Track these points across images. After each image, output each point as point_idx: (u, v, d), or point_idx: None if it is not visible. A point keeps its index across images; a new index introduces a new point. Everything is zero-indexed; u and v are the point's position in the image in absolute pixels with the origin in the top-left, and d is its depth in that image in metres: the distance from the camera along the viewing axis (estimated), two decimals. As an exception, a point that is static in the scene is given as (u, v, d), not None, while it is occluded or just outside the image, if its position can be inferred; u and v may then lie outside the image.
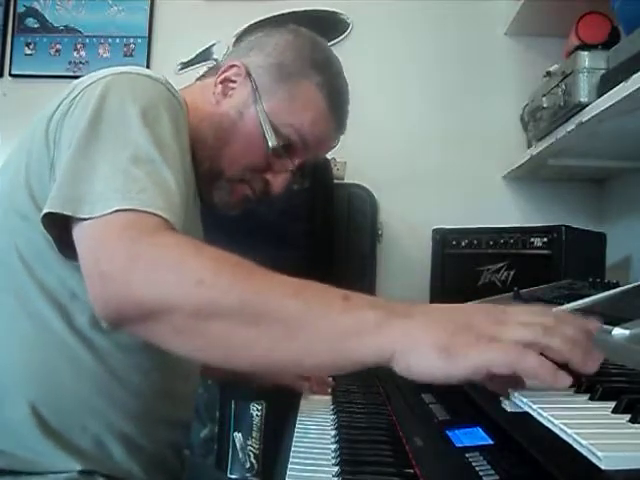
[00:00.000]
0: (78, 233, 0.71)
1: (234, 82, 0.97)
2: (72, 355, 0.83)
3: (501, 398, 0.62)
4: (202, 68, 2.13)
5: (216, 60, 1.76)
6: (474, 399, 0.79)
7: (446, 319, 0.60)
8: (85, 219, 0.70)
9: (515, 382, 0.61)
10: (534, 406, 0.56)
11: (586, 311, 0.92)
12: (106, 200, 0.70)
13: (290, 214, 1.65)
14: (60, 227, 0.73)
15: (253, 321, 0.62)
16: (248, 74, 0.96)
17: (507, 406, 0.61)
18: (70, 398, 0.83)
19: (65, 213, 0.71)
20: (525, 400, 0.58)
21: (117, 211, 0.68)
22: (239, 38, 1.04)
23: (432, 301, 1.80)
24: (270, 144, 0.94)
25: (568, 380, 0.57)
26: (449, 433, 0.77)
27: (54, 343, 0.83)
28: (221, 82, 0.97)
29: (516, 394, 0.60)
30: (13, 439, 0.80)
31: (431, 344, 0.57)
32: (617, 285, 1.12)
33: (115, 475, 0.85)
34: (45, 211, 0.72)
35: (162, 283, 0.64)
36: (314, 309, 0.62)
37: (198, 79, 1.05)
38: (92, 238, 0.70)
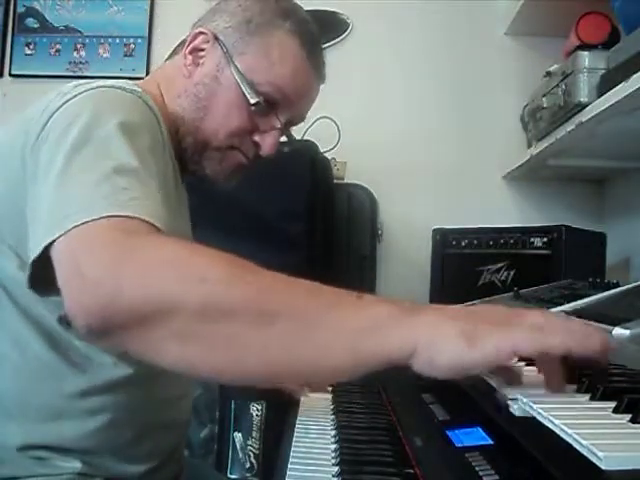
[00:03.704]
0: (59, 247, 0.63)
1: (203, 50, 0.94)
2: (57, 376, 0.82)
3: (509, 402, 0.61)
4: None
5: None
6: (474, 399, 0.79)
7: (462, 314, 0.60)
8: (68, 231, 0.62)
9: (512, 379, 0.64)
10: (535, 406, 0.56)
11: (586, 311, 0.92)
12: (92, 207, 0.63)
13: (290, 214, 1.64)
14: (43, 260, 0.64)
15: (266, 321, 0.57)
16: (216, 38, 0.93)
17: (515, 411, 0.60)
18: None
19: (55, 237, 0.63)
20: (530, 402, 0.58)
21: (107, 217, 0.62)
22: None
23: (432, 301, 1.80)
24: (251, 101, 0.90)
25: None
26: (449, 433, 0.77)
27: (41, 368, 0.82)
28: (190, 52, 0.94)
29: (525, 399, 0.60)
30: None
31: (455, 333, 0.56)
32: (617, 285, 1.12)
33: (113, 477, 0.85)
34: (38, 251, 0.64)
35: (159, 283, 0.58)
36: (329, 307, 0.59)
37: (167, 59, 1.01)
38: (76, 244, 0.62)
